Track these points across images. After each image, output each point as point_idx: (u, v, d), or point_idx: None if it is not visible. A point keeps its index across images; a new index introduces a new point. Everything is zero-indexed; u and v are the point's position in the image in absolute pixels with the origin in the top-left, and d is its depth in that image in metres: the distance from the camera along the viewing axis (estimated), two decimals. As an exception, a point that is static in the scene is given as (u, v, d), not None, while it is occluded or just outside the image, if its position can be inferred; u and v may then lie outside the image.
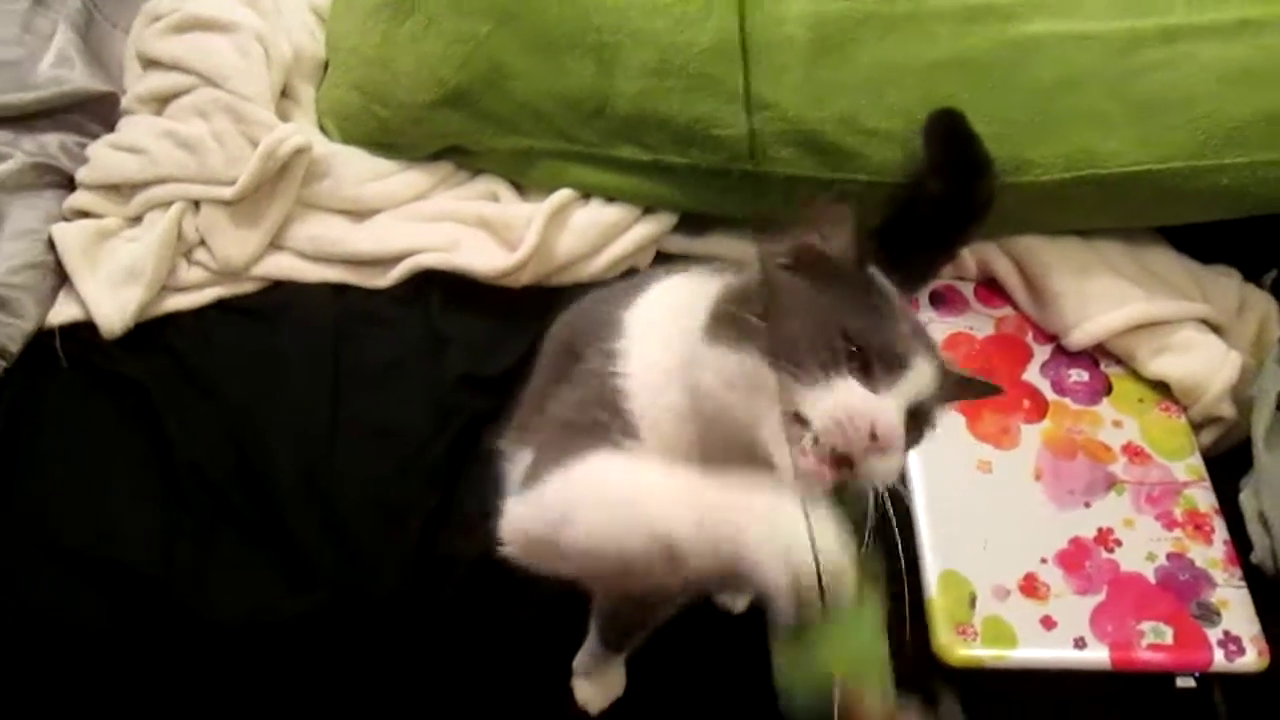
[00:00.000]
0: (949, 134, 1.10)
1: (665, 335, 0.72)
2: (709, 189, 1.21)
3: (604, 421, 0.69)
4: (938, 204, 1.12)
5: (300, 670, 0.99)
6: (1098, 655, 0.97)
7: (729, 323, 0.66)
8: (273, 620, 0.98)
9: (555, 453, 0.68)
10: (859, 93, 1.15)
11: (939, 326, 1.20)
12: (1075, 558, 1.03)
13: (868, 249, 0.69)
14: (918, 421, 0.67)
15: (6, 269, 1.18)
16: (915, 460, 1.08)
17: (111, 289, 1.18)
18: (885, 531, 0.64)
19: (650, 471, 0.65)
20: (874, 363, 0.63)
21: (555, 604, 1.00)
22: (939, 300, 1.22)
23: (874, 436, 0.61)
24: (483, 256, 1.21)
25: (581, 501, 0.65)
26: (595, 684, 1.01)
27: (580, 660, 1.00)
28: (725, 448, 0.67)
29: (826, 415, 0.61)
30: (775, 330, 0.63)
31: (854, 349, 0.63)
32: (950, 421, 1.10)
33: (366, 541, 1.03)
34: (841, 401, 0.61)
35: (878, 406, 0.62)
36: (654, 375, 0.71)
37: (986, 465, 1.09)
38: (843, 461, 0.61)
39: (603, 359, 0.73)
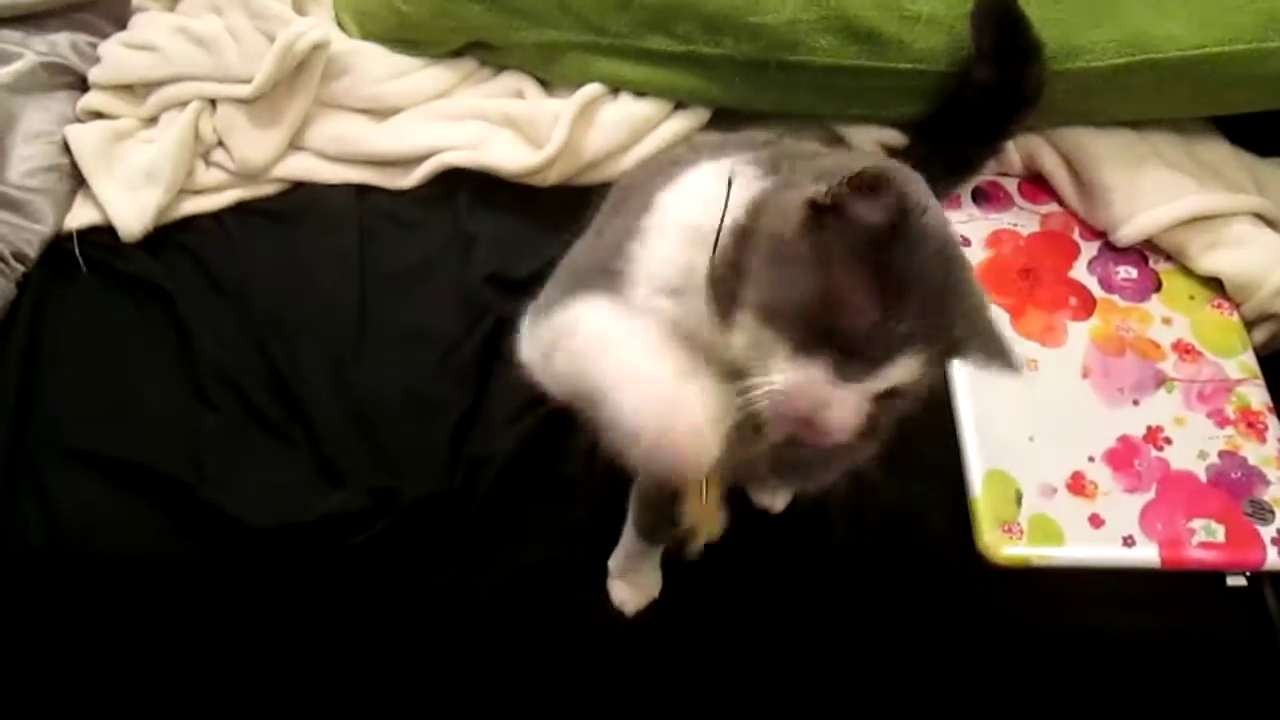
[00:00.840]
0: (999, 18, 1.05)
1: (682, 232, 0.70)
2: (744, 81, 1.16)
3: (612, 271, 0.71)
4: (984, 92, 1.08)
5: (331, 572, 0.98)
6: (1147, 553, 0.95)
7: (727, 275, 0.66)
8: (303, 521, 0.96)
9: (563, 289, 0.75)
10: (902, -25, 1.10)
11: (982, 224, 1.15)
12: (1124, 456, 1.00)
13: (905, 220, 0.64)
14: (898, 394, 0.66)
15: (22, 172, 1.16)
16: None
17: (129, 191, 1.15)
18: None
19: (619, 325, 0.69)
20: (852, 357, 0.62)
21: (589, 503, 0.98)
22: (982, 196, 1.18)
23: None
24: (509, 154, 1.17)
25: (565, 334, 0.71)
26: (631, 585, 0.99)
27: (616, 561, 0.99)
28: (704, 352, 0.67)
29: (781, 390, 0.62)
30: (770, 287, 0.63)
31: (834, 338, 0.62)
32: (995, 318, 1.08)
33: (397, 442, 1.01)
34: (799, 386, 0.62)
35: (831, 401, 0.62)
36: (659, 268, 0.71)
37: (1033, 363, 1.05)
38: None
39: (625, 231, 0.73)
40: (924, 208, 0.63)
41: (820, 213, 0.62)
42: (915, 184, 0.64)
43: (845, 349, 0.62)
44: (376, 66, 1.23)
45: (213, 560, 0.97)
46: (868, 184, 0.61)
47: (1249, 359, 1.07)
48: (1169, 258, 1.13)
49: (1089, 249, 1.14)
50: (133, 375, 1.07)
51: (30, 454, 1.01)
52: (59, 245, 1.14)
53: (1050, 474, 0.98)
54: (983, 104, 1.08)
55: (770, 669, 1.02)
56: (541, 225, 1.14)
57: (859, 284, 0.62)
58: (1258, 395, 1.04)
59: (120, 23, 1.29)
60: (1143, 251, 1.14)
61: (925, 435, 1.00)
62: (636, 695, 1.04)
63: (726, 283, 0.65)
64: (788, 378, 0.61)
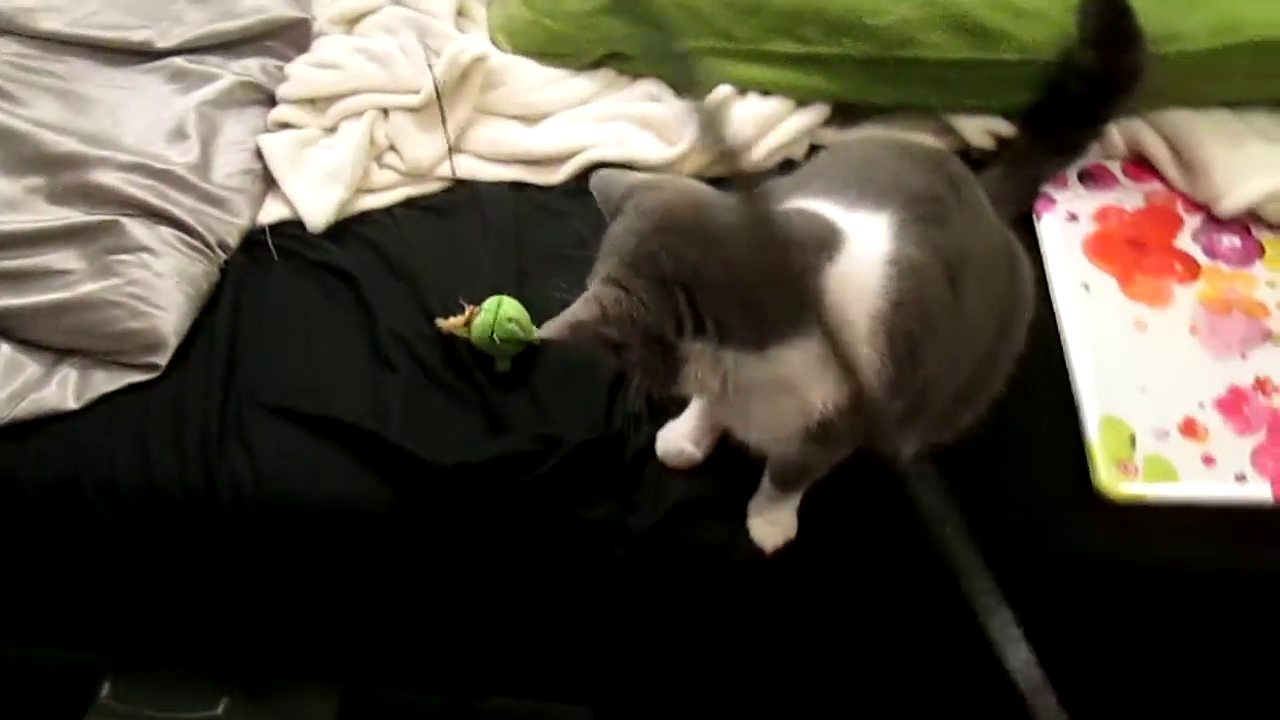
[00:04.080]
0: (1105, 6, 1.13)
1: None
2: (860, 79, 1.27)
3: None
4: (1088, 78, 1.15)
5: (503, 510, 1.09)
6: (1259, 490, 1.01)
7: None
8: (477, 460, 1.08)
9: None
10: (1010, -29, 1.20)
11: (1089, 201, 1.24)
12: (1233, 403, 1.06)
13: None
14: None
15: (223, 175, 1.32)
16: (1070, 319, 1.13)
17: (315, 189, 1.31)
18: None
19: None
20: None
21: (731, 457, 1.08)
22: (1088, 178, 1.26)
23: None
24: (649, 149, 1.30)
25: None
26: (769, 524, 1.08)
27: (755, 502, 1.08)
28: None
29: None
30: None
31: None
32: (1103, 284, 1.16)
33: (556, 396, 1.13)
34: None
35: None
36: None
37: (1142, 324, 1.13)
38: None
39: None
40: None
41: None
42: None
43: None
44: (528, 77, 1.38)
45: (396, 497, 1.09)
46: None
47: (1353, 315, 1.13)
48: (1272, 227, 1.20)
49: (1193, 221, 1.22)
50: (320, 344, 1.20)
51: (236, 414, 1.15)
52: (254, 237, 1.30)
53: (1162, 419, 1.05)
54: (1086, 90, 1.16)
55: (893, 605, 1.10)
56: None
57: None
58: (1363, 347, 1.10)
59: (301, 49, 1.46)
60: (1245, 222, 1.20)
61: (1038, 386, 1.08)
62: (769, 629, 1.13)
63: None
64: None
